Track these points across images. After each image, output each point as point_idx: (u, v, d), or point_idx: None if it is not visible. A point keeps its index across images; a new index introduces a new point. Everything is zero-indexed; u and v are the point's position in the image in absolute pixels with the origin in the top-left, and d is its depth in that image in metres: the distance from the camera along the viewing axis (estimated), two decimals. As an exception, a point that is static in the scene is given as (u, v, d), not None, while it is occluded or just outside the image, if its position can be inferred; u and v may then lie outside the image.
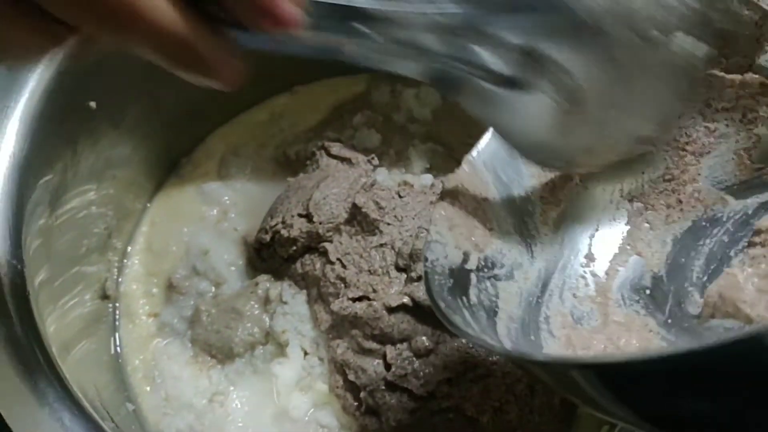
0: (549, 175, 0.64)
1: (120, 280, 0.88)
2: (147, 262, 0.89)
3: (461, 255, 0.58)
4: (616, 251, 0.64)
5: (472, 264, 0.58)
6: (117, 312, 0.86)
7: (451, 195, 0.60)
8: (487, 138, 0.62)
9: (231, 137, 0.97)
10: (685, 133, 0.63)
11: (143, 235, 0.91)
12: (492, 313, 0.56)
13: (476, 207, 0.61)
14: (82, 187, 0.78)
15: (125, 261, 0.89)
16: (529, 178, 0.64)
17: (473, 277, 0.58)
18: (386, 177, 0.89)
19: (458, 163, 0.95)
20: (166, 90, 0.85)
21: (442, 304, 0.52)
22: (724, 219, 0.61)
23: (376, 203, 0.81)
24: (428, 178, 0.89)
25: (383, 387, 0.76)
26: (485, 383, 0.74)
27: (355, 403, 0.79)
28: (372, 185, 0.84)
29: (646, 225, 0.64)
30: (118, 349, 0.84)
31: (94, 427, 0.57)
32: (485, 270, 0.59)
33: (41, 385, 0.57)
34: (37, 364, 0.58)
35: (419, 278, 0.78)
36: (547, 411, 0.75)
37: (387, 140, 0.95)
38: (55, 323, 0.70)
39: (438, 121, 0.97)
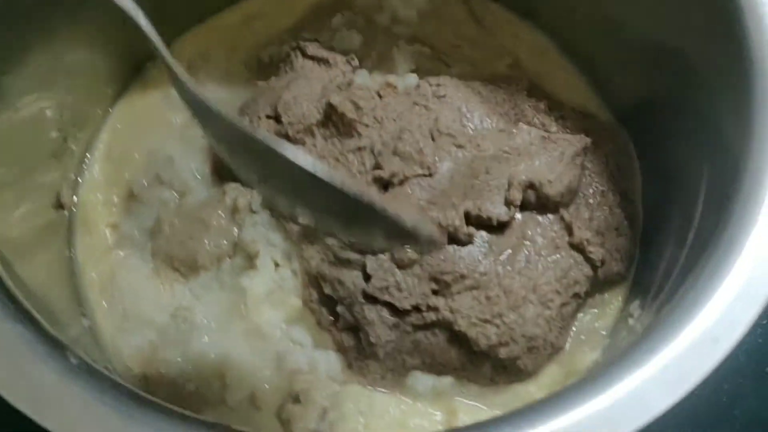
0: None
1: (78, 188, 0.81)
2: (107, 170, 0.82)
3: None
4: None
5: None
6: (74, 222, 0.79)
7: None
8: None
9: (200, 41, 0.90)
10: None
11: (103, 143, 0.84)
12: None
13: None
14: (34, 90, 0.71)
15: (84, 168, 0.82)
16: None
17: None
18: (367, 79, 0.82)
19: (446, 65, 0.89)
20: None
21: None
22: None
23: (354, 103, 0.76)
24: (413, 78, 0.82)
25: (362, 300, 0.71)
26: (474, 295, 0.68)
27: (331, 318, 0.74)
28: (349, 85, 0.78)
29: None
30: (74, 261, 0.78)
31: (52, 342, 0.51)
32: None
33: None
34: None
35: (401, 183, 0.72)
36: (543, 322, 0.69)
37: (369, 42, 0.88)
38: (6, 232, 0.66)
39: (424, 22, 0.90)
